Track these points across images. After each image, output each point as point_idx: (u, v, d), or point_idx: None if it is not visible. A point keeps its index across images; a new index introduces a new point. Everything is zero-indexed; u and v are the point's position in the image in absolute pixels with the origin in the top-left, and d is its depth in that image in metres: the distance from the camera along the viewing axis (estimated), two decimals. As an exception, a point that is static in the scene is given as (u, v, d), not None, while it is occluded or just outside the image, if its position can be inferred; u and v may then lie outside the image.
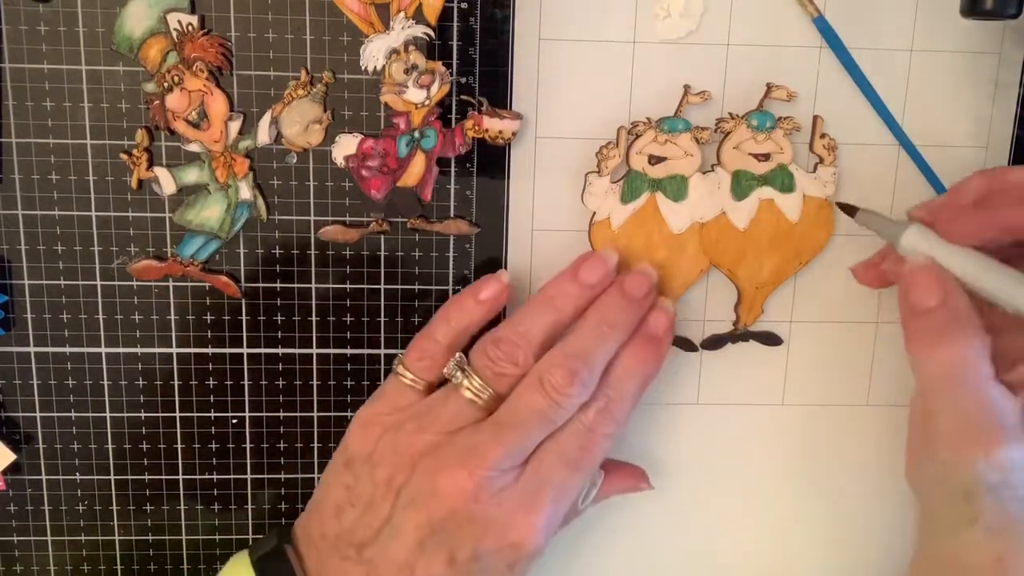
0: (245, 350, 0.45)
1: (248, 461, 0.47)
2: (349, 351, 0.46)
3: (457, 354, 0.42)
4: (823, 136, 0.45)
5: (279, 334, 0.45)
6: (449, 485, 0.39)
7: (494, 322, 0.44)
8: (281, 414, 0.46)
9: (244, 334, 0.45)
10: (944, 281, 0.40)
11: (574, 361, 0.40)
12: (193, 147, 0.43)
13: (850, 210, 0.44)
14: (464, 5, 0.42)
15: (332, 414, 0.47)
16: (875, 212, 0.43)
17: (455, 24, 0.42)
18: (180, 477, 0.47)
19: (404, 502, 0.40)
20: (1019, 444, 0.37)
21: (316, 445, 0.47)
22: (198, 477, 0.47)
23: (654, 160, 0.44)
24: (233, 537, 0.48)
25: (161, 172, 0.43)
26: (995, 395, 0.38)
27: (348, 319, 0.45)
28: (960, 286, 0.40)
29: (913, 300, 0.40)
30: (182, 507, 0.47)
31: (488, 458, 0.39)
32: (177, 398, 0.46)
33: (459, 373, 0.41)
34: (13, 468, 0.46)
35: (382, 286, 0.45)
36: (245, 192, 0.43)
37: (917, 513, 0.41)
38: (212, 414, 0.46)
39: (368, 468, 0.42)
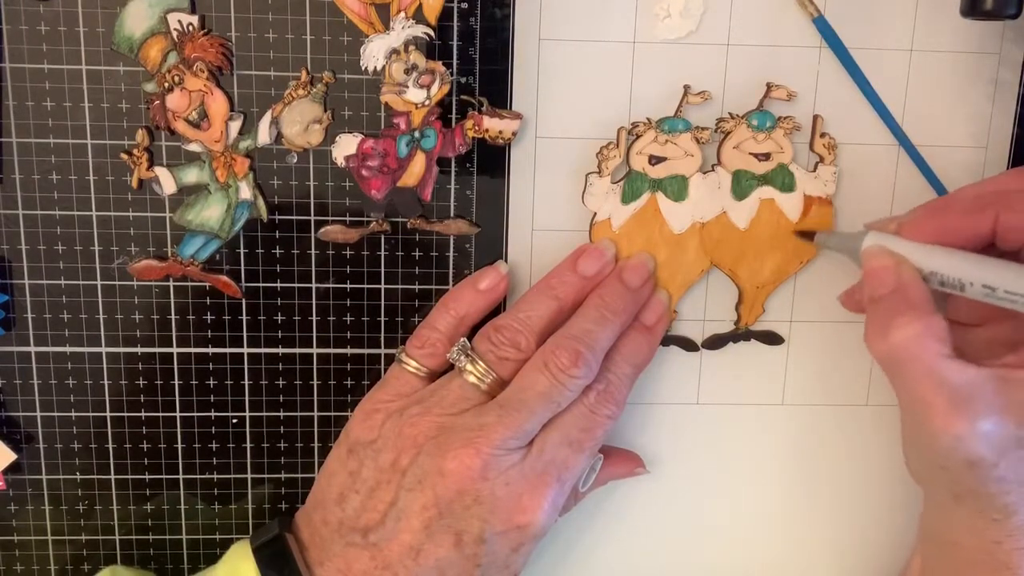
0: (245, 350, 0.45)
1: (248, 461, 0.47)
2: (349, 351, 0.46)
3: (461, 339, 0.43)
4: (823, 135, 0.45)
5: (279, 334, 0.45)
6: (456, 464, 0.40)
7: (494, 314, 0.44)
8: (281, 414, 0.46)
9: (244, 334, 0.45)
10: (898, 267, 0.39)
11: (578, 343, 0.41)
12: (193, 147, 0.43)
13: (808, 235, 0.44)
14: (464, 5, 0.42)
15: (332, 414, 0.47)
16: (832, 232, 0.44)
17: (455, 24, 0.42)
18: (180, 477, 0.47)
19: (410, 483, 0.41)
20: (985, 418, 0.37)
21: (316, 444, 0.47)
22: (198, 477, 0.47)
23: (654, 160, 0.44)
24: (233, 537, 0.48)
25: (161, 172, 0.43)
26: (949, 371, 0.37)
27: (348, 319, 0.45)
28: (916, 275, 0.39)
29: (868, 292, 0.40)
30: (182, 507, 0.47)
31: (494, 437, 0.40)
32: (177, 398, 0.46)
33: (463, 358, 0.42)
34: (13, 468, 0.46)
35: (382, 286, 0.45)
36: (245, 192, 0.43)
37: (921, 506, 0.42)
38: (212, 414, 0.46)
39: (372, 453, 0.42)
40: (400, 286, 0.45)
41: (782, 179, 0.45)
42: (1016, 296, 0.37)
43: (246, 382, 0.46)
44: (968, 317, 0.42)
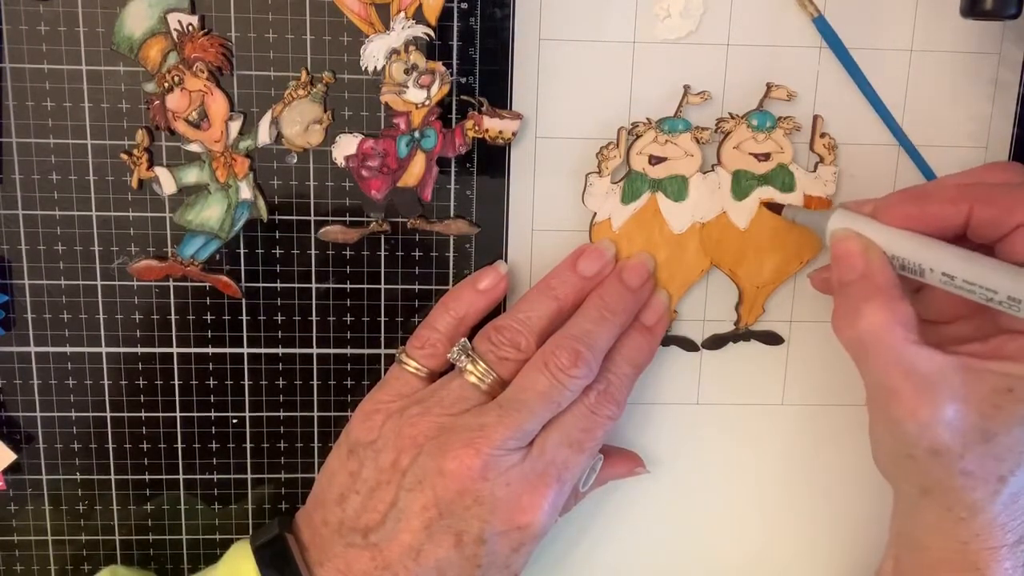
0: (245, 350, 0.45)
1: (248, 461, 0.47)
2: (349, 351, 0.46)
3: (461, 339, 0.43)
4: (823, 135, 0.45)
5: (279, 334, 0.45)
6: (456, 465, 0.40)
7: (494, 314, 0.44)
8: (281, 414, 0.46)
9: (244, 334, 0.45)
10: (866, 251, 0.39)
11: (578, 343, 0.41)
12: (193, 147, 0.43)
13: (776, 208, 0.44)
14: (464, 5, 0.42)
15: (332, 414, 0.47)
16: (800, 207, 0.44)
17: (455, 24, 0.42)
18: (180, 477, 0.47)
19: (410, 484, 0.41)
20: (949, 405, 0.37)
21: (316, 445, 0.47)
22: (198, 477, 0.47)
23: (654, 160, 0.44)
24: (233, 537, 0.48)
25: (161, 172, 0.43)
26: (916, 358, 0.37)
27: (348, 319, 0.45)
28: (885, 260, 0.39)
29: (836, 276, 0.40)
30: (182, 507, 0.47)
31: (494, 438, 0.40)
32: (177, 398, 0.46)
33: (463, 357, 0.42)
34: (13, 468, 0.46)
35: (382, 286, 0.45)
36: (245, 192, 0.43)
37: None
38: (212, 414, 0.46)
39: (372, 454, 0.42)
40: (400, 286, 0.45)
41: (782, 179, 0.45)
42: (973, 286, 0.37)
43: (246, 382, 0.46)
44: (939, 314, 0.42)
